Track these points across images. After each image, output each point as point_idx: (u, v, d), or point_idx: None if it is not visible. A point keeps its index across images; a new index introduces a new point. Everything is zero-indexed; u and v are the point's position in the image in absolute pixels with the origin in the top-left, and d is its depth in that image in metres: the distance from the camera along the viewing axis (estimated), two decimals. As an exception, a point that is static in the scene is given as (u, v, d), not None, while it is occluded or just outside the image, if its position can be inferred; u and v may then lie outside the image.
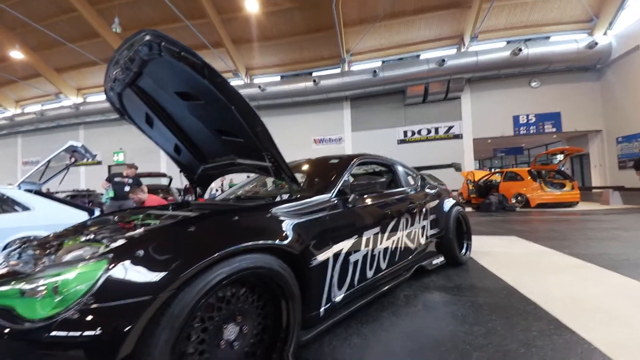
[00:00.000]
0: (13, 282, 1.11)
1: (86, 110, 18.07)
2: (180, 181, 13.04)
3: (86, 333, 0.95)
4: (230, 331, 1.29)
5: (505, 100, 14.18)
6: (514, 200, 8.93)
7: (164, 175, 10.82)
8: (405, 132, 15.03)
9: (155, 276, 1.07)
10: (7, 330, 0.97)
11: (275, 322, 1.45)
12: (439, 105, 14.58)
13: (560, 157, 9.54)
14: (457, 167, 9.27)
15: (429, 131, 14.78)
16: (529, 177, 8.97)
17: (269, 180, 3.05)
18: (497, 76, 13.82)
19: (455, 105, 14.48)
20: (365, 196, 2.18)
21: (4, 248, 3.65)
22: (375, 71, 13.67)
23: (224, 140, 2.01)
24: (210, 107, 1.75)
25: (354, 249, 1.91)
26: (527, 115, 14.25)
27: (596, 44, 12.30)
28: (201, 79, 1.52)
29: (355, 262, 1.93)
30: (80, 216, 4.07)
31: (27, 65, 16.57)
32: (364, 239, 2.00)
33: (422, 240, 2.72)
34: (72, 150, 4.19)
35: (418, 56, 15.15)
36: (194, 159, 2.44)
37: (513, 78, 14.00)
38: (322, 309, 1.68)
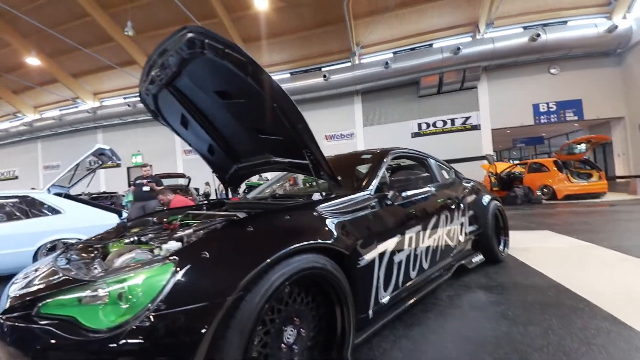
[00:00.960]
0: (72, 291, 1.07)
1: (103, 114, 18.42)
2: (198, 181, 13.23)
3: (160, 340, 0.92)
4: (290, 334, 1.25)
5: (524, 88, 13.71)
6: (539, 193, 8.63)
7: (182, 175, 11.00)
8: (419, 125, 14.74)
9: (222, 278, 1.05)
10: (70, 343, 0.93)
11: (329, 325, 1.40)
12: (454, 96, 14.20)
13: (582, 146, 9.17)
14: (490, 159, 9.00)
15: (444, 123, 14.45)
16: (555, 168, 8.66)
17: (299, 178, 3.01)
18: (514, 63, 13.37)
19: (472, 95, 14.09)
20: (404, 192, 2.09)
21: (36, 252, 3.72)
22: (387, 63, 13.38)
23: (261, 138, 1.96)
24: (250, 105, 1.70)
25: (398, 248, 1.84)
26: (547, 104, 13.76)
27: (616, 27, 11.75)
28: (244, 76, 1.46)
29: (400, 262, 1.86)
30: (109, 218, 4.12)
31: (44, 72, 16.94)
32: (406, 237, 1.92)
33: (462, 238, 2.62)
34: (99, 154, 4.23)
35: (431, 45, 14.78)
36: (228, 159, 2.41)
37: (531, 65, 13.51)
38: (370, 311, 1.62)
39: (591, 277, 2.57)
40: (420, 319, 1.99)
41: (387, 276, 1.75)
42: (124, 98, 18.75)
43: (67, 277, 1.17)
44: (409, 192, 2.10)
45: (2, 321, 1.08)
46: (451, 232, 2.47)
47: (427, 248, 2.16)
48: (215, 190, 2.97)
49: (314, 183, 2.81)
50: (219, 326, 0.97)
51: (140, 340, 0.91)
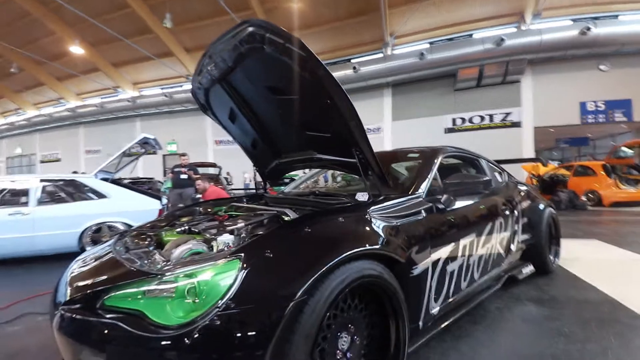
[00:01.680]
0: (140, 283, 1.07)
1: (142, 103, 19.23)
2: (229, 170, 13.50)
3: (228, 340, 0.90)
4: (344, 341, 1.21)
5: (571, 85, 12.76)
6: (584, 198, 8.03)
7: (214, 165, 11.27)
8: (454, 120, 14.12)
9: (288, 280, 1.03)
10: (139, 338, 0.92)
11: (381, 334, 1.34)
12: (494, 90, 13.43)
13: (629, 151, 8.37)
14: (544, 162, 8.48)
15: (482, 118, 13.75)
16: (603, 172, 8.00)
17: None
18: (562, 58, 12.41)
19: (514, 90, 13.26)
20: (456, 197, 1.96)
21: (81, 234, 3.93)
22: (422, 53, 12.82)
23: (307, 135, 1.90)
24: (302, 101, 1.64)
25: (451, 256, 1.74)
26: (595, 102, 12.75)
27: None
28: (301, 71, 1.41)
29: (452, 272, 1.76)
30: (152, 204, 4.30)
31: (86, 60, 17.82)
32: (460, 245, 1.81)
33: (513, 247, 2.45)
34: (144, 142, 4.39)
35: (471, 36, 14.01)
36: (270, 154, 2.39)
37: (579, 60, 12.50)
38: (420, 322, 1.54)
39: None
40: (468, 331, 1.89)
41: (439, 286, 1.66)
42: (161, 88, 19.44)
43: (132, 269, 1.18)
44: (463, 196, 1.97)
45: (63, 312, 1.10)
46: (504, 240, 2.32)
47: (480, 257, 2.03)
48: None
49: (351, 181, 2.74)
50: (285, 329, 0.95)
51: (210, 339, 0.90)
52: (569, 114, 12.86)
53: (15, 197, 3.96)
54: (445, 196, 1.82)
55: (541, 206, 2.86)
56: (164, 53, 16.55)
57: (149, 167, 19.26)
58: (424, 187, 1.82)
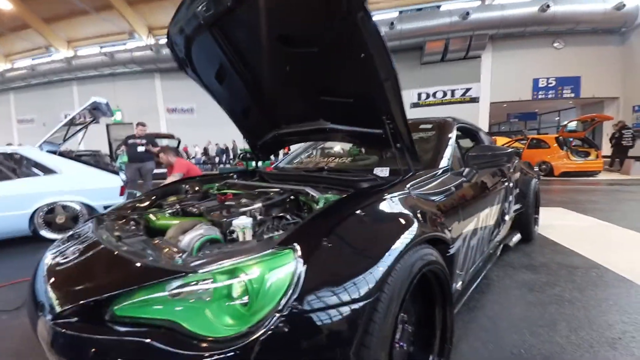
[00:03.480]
0: (161, 286, 0.81)
1: (78, 65, 16.93)
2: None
3: (302, 350, 0.73)
4: (398, 329, 1.07)
5: (527, 61, 13.48)
6: (536, 168, 8.70)
7: (171, 136, 10.29)
8: (419, 95, 14.38)
9: (358, 271, 0.85)
10: (176, 357, 0.68)
11: (428, 319, 1.23)
12: (457, 65, 13.78)
13: (573, 125, 9.19)
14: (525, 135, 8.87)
15: (444, 94, 14.15)
16: (555, 145, 8.67)
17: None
18: (521, 34, 13.00)
19: (475, 65, 13.71)
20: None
21: (32, 216, 3.38)
22: (392, 23, 12.61)
23: (321, 101, 1.65)
24: (326, 55, 1.36)
25: (474, 230, 1.67)
26: (548, 79, 13.67)
27: (624, 5, 11.73)
28: (331, 12, 1.15)
29: (473, 246, 1.71)
30: (112, 180, 3.78)
31: (15, 16, 15.14)
32: (480, 218, 1.76)
33: (507, 217, 2.50)
34: (93, 108, 3.77)
35: (439, 7, 14.01)
36: (267, 123, 2.09)
37: (536, 37, 13.19)
38: (449, 300, 1.48)
39: (624, 258, 2.56)
40: (481, 302, 1.89)
41: (463, 262, 1.59)
42: (101, 47, 17.21)
43: (144, 265, 0.91)
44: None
45: (58, 328, 0.81)
46: (504, 210, 2.34)
47: (489, 229, 2.01)
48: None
49: (356, 155, 2.48)
50: (362, 333, 0.79)
51: (277, 352, 0.70)
52: (522, 90, 13.68)
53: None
54: (467, 169, 1.73)
55: (529, 177, 2.95)
56: (102, 6, 14.50)
57: (90, 139, 17.38)
58: (446, 159, 1.69)
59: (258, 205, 1.32)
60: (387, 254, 0.91)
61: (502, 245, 2.42)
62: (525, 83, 13.68)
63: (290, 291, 0.75)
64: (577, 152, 8.69)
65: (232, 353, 0.67)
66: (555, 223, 3.70)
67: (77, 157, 4.63)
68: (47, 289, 0.97)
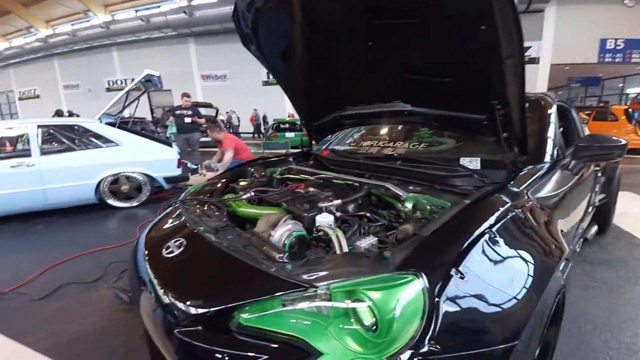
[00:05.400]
0: (288, 298, 0.78)
1: (116, 30, 17.16)
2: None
3: None
4: None
5: (595, 19, 11.83)
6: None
7: (210, 105, 10.33)
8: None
9: (497, 313, 0.75)
10: None
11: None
12: (516, 21, 12.37)
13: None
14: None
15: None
16: (624, 117, 7.72)
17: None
18: (591, -14, 11.30)
19: (537, 21, 12.20)
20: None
21: (97, 186, 3.58)
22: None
23: (406, 79, 1.45)
24: (425, 28, 1.18)
25: (570, 228, 1.51)
26: (616, 40, 12.01)
27: None
28: None
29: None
30: (168, 152, 3.92)
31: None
32: (578, 214, 1.59)
33: (590, 209, 2.27)
34: (147, 80, 3.79)
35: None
36: (328, 104, 1.92)
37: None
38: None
39: None
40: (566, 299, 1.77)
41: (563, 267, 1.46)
42: (136, 11, 17.19)
43: (266, 272, 0.86)
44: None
45: (181, 336, 0.81)
46: (591, 201, 2.11)
47: (579, 223, 1.83)
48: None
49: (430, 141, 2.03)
50: None
51: None
52: (587, 52, 12.18)
53: (13, 146, 3.48)
54: (573, 162, 1.52)
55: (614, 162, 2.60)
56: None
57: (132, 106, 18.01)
58: (550, 149, 1.47)
59: (337, 202, 1.23)
60: (531, 290, 0.81)
61: (582, 240, 2.23)
62: (591, 44, 12.14)
63: (422, 328, 0.68)
64: (646, 127, 7.70)
65: None
66: (625, 210, 3.34)
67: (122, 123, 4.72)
68: (159, 288, 0.97)
